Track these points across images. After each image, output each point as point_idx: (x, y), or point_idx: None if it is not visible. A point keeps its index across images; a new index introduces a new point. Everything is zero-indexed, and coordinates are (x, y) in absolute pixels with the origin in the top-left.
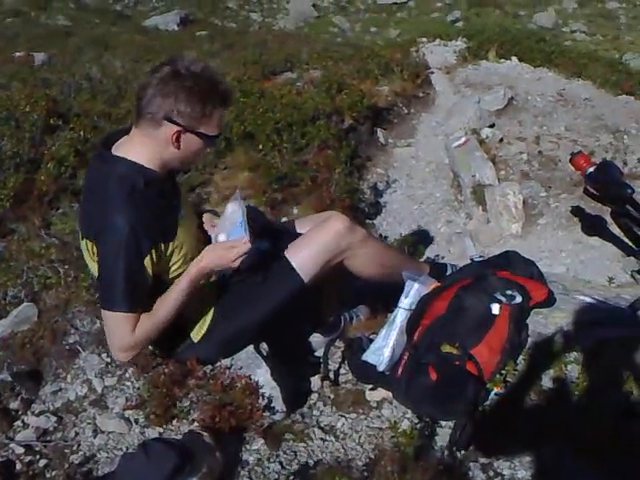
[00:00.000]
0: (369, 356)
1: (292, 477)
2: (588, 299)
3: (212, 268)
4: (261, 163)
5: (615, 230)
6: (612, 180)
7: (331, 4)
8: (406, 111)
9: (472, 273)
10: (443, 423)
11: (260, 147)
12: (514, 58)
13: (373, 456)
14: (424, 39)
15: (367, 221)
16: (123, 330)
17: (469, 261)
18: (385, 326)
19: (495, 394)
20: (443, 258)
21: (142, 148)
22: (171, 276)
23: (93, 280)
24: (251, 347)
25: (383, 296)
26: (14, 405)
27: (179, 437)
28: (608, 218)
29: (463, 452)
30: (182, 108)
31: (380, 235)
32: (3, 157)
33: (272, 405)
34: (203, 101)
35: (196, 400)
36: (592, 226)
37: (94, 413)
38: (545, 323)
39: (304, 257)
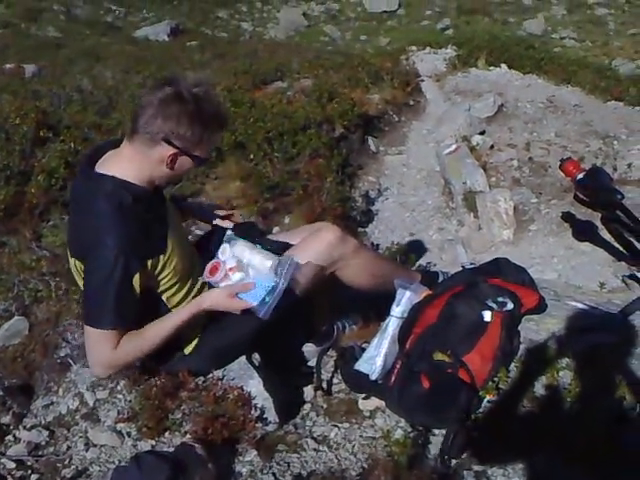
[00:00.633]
0: (361, 365)
1: None
2: (579, 305)
3: (212, 308)
4: (252, 173)
5: (606, 235)
6: (602, 186)
7: (322, 13)
8: (397, 119)
9: (463, 280)
10: (436, 431)
11: (251, 157)
12: (503, 65)
13: (366, 466)
14: (414, 47)
15: (359, 229)
16: (104, 347)
17: (460, 268)
18: (377, 335)
19: (488, 401)
20: (435, 265)
21: (132, 164)
22: (161, 289)
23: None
24: (243, 358)
25: (376, 304)
26: (5, 420)
27: (171, 449)
28: (599, 224)
29: (456, 460)
30: (182, 131)
31: (372, 243)
32: None
33: (265, 416)
34: (204, 126)
35: (188, 412)
36: (583, 232)
37: (86, 426)
38: (537, 329)
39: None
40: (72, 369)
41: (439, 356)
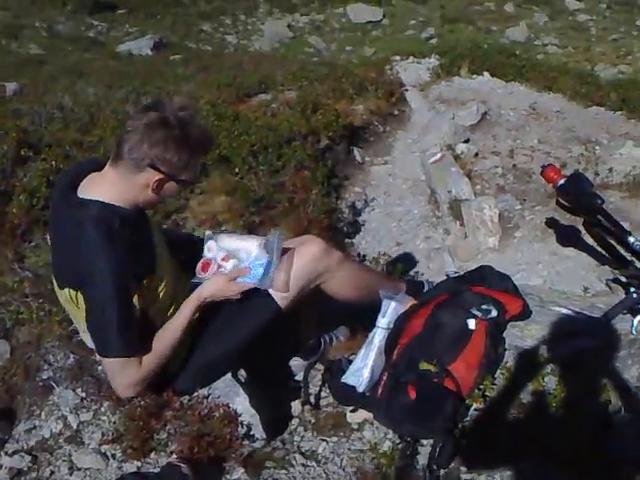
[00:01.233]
0: (349, 378)
1: None
2: (564, 310)
3: (213, 299)
4: (237, 186)
5: (589, 240)
6: (583, 191)
7: (306, 24)
8: (382, 129)
9: (448, 289)
10: (425, 442)
11: (236, 170)
12: (486, 73)
13: (355, 479)
14: (397, 57)
15: (346, 240)
16: (130, 371)
17: (445, 277)
18: (364, 346)
19: (474, 410)
20: (422, 275)
21: (116, 188)
22: (156, 307)
23: (74, 327)
24: (229, 375)
25: (362, 316)
26: None
27: (157, 470)
28: (582, 228)
29: (444, 470)
30: (169, 157)
31: (359, 254)
32: None
33: (252, 433)
34: (191, 151)
35: (174, 432)
36: (566, 237)
37: (70, 450)
38: (521, 336)
39: (279, 282)
40: (55, 392)
41: (425, 366)
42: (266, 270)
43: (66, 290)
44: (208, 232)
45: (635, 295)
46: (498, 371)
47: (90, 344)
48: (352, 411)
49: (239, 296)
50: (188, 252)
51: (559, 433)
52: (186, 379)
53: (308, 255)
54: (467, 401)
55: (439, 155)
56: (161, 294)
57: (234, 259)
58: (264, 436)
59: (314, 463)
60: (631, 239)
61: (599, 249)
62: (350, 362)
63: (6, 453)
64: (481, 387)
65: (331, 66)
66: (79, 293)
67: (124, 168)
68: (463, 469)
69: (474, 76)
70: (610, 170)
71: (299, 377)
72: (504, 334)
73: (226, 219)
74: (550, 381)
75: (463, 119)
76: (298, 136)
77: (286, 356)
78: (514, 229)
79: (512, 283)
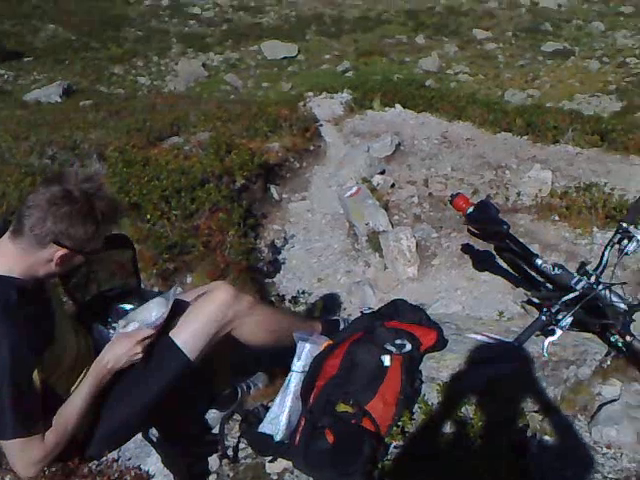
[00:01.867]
0: (265, 426)
1: None
2: (479, 337)
3: (116, 364)
4: (149, 234)
5: (503, 264)
6: (489, 219)
7: (221, 63)
8: (298, 165)
9: (362, 326)
10: None
11: (148, 217)
12: (398, 105)
13: None
14: (310, 93)
15: (266, 280)
16: (29, 451)
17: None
18: (280, 392)
19: (394, 447)
20: (345, 309)
21: (15, 260)
22: (59, 378)
23: None
24: (139, 435)
25: (280, 360)
26: None
27: None
28: (495, 252)
29: None
30: (73, 232)
31: (278, 294)
32: None
33: None
34: (96, 224)
35: None
36: (482, 262)
37: None
38: (437, 367)
39: (188, 333)
40: None
41: (342, 407)
42: (159, 316)
43: None
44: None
45: (543, 317)
46: (416, 405)
47: None
48: (271, 461)
49: (142, 354)
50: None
51: (479, 461)
52: (94, 445)
53: (216, 302)
54: (386, 439)
55: (355, 189)
56: (64, 363)
57: (134, 322)
58: None
59: None
60: (538, 261)
61: (513, 272)
62: (268, 410)
63: None
64: (399, 423)
65: (247, 103)
66: None
67: (25, 243)
68: None
69: (386, 108)
70: (518, 194)
71: (216, 430)
72: (420, 367)
73: (139, 268)
74: (468, 410)
75: (378, 151)
76: (212, 178)
77: (201, 409)
78: (432, 257)
79: (425, 314)
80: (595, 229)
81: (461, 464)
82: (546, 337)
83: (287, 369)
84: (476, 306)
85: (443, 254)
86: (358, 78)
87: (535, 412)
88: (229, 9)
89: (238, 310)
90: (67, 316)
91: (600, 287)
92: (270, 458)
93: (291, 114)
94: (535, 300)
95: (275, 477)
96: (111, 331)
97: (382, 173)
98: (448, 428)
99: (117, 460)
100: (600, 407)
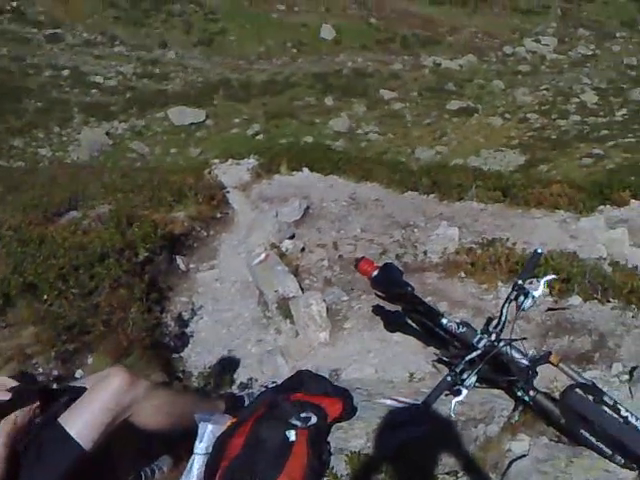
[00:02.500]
0: None
1: None
2: (389, 402)
3: None
4: (46, 315)
5: (413, 323)
6: (394, 281)
7: (126, 130)
8: (205, 234)
9: (266, 402)
10: None
11: (44, 297)
12: (305, 169)
13: None
14: (217, 160)
15: (174, 355)
16: None
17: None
18: (183, 476)
19: None
20: (256, 381)
21: None
22: None
23: None
24: None
25: (186, 442)
26: None
27: None
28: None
29: None
30: None
31: (183, 371)
32: None
33: None
34: None
35: None
36: (393, 322)
37: None
38: (346, 437)
39: (82, 422)
40: None
41: None
42: None
43: None
44: None
45: (449, 378)
46: (325, 478)
47: None
48: None
49: None
50: None
51: None
52: None
53: (110, 390)
54: None
55: (264, 255)
56: None
57: None
58: None
59: None
60: (444, 321)
61: (422, 332)
62: None
63: None
64: None
65: (153, 171)
66: None
67: None
68: None
69: (294, 172)
70: (425, 253)
71: None
72: (328, 438)
73: (36, 351)
74: (379, 479)
75: (287, 215)
76: (112, 252)
77: None
78: (343, 320)
79: (330, 384)
80: (500, 284)
81: None
82: (453, 397)
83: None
84: (389, 367)
85: (354, 317)
86: (268, 141)
87: (447, 474)
88: (133, 77)
89: (135, 396)
90: None
91: (501, 344)
92: None
93: (196, 182)
94: (445, 359)
95: None
96: None
97: (291, 238)
98: None
99: None
100: (510, 463)
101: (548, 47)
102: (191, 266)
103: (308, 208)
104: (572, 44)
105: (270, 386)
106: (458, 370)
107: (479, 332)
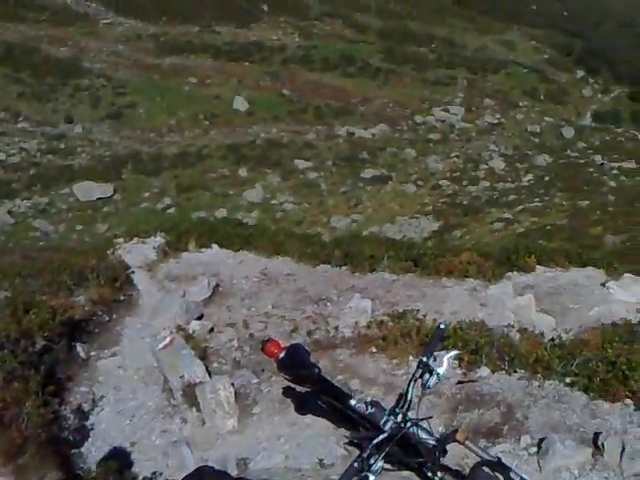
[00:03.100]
0: None
1: None
2: None
3: None
4: None
5: (324, 405)
6: (300, 363)
7: (29, 208)
8: (107, 318)
9: None
10: None
11: None
12: (215, 246)
13: None
14: (121, 239)
15: (72, 451)
16: None
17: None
18: None
19: None
20: (161, 474)
21: None
22: None
23: None
24: None
25: None
26: None
27: None
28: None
29: None
30: None
31: (82, 468)
32: None
33: None
34: None
35: None
36: (303, 405)
37: None
38: None
39: None
40: None
41: None
42: None
43: None
44: None
45: (356, 464)
46: None
47: None
48: None
49: None
50: None
51: None
52: None
53: None
54: None
55: (168, 339)
56: None
57: None
58: None
59: None
60: (352, 402)
61: (333, 413)
62: None
63: None
64: None
65: (55, 251)
66: None
67: None
68: None
69: (203, 249)
70: (336, 328)
71: None
72: None
73: None
74: None
75: (195, 295)
76: (7, 342)
77: None
78: (252, 405)
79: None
80: (411, 358)
81: None
82: None
83: None
84: (299, 453)
85: (264, 401)
86: (179, 215)
87: None
88: (37, 153)
89: None
90: None
91: (408, 425)
92: None
93: (99, 263)
94: (355, 440)
95: None
96: None
97: (200, 318)
98: None
99: None
100: None
101: (456, 116)
102: (92, 353)
103: (217, 286)
104: (479, 113)
105: None
106: (365, 455)
107: (386, 413)
